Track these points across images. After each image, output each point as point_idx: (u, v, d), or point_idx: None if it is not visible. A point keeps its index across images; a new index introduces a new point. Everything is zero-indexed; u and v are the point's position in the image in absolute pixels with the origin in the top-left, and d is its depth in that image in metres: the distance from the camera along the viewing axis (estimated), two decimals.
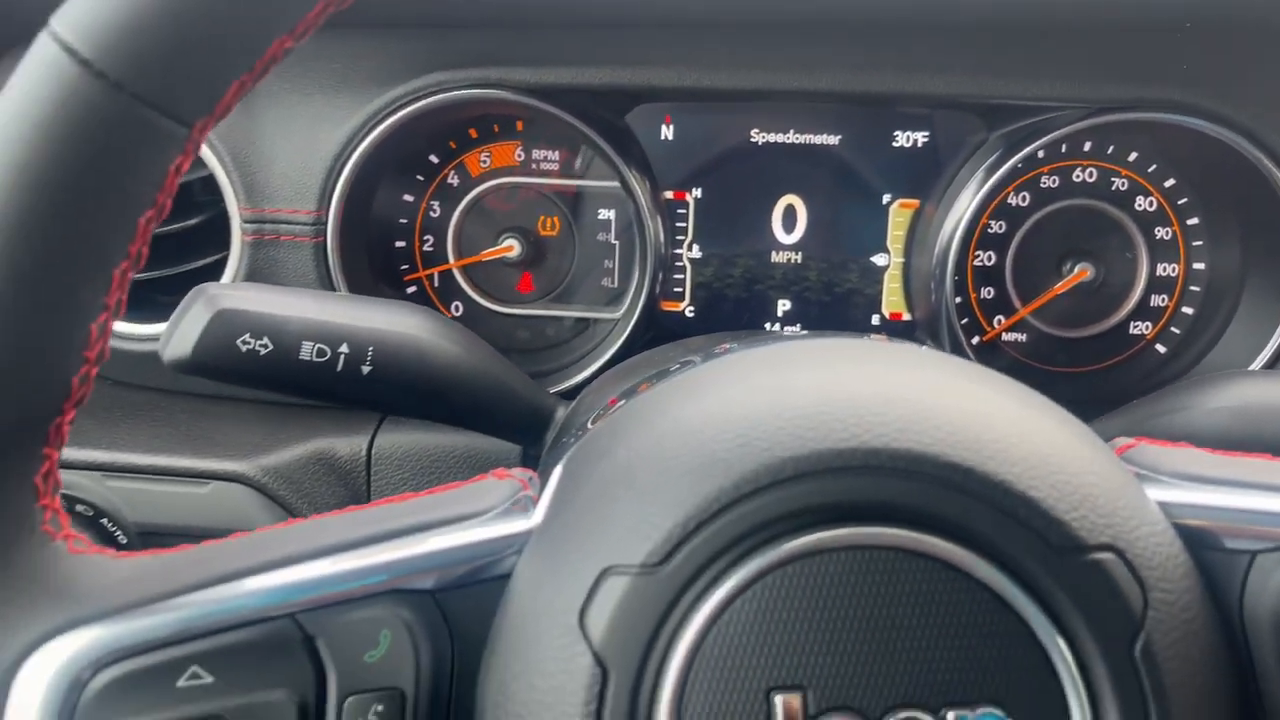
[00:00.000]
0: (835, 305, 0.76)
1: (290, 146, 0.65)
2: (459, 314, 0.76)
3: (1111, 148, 0.72)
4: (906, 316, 0.75)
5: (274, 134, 0.67)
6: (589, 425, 0.43)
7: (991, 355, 0.75)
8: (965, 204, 0.71)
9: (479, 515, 0.40)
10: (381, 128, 0.67)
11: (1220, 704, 0.36)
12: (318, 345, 0.52)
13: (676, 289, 0.77)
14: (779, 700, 0.34)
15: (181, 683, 0.37)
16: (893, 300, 0.76)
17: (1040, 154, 0.72)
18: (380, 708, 0.37)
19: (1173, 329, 0.74)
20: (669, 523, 0.35)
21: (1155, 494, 0.39)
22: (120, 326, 0.67)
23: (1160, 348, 0.74)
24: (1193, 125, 0.66)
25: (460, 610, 0.39)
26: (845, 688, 0.34)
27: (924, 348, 0.49)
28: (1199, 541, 0.38)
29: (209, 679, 0.37)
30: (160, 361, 0.70)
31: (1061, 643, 0.35)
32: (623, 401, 0.47)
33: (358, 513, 0.41)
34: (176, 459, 0.67)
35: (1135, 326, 0.74)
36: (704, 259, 0.76)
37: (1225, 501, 0.39)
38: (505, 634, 0.37)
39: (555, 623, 0.36)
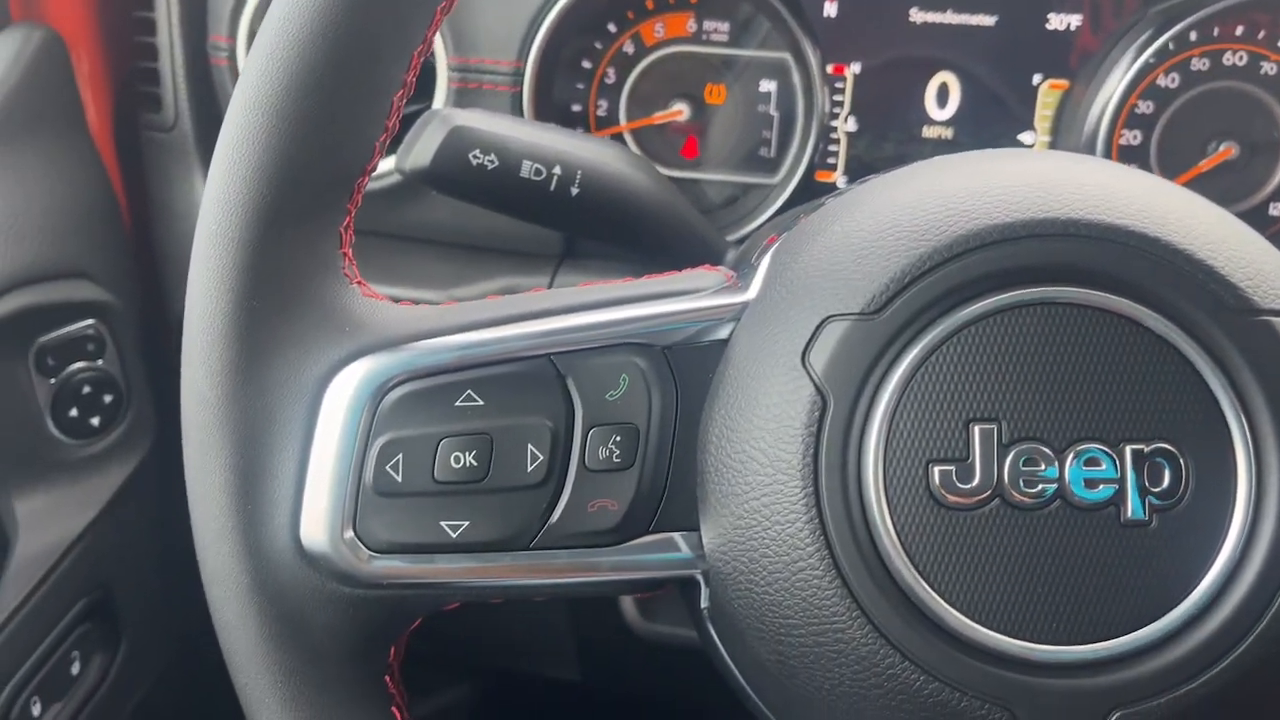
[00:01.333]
0: None
1: (496, 1, 0.72)
2: None
3: (1263, 32, 0.75)
4: None
5: None
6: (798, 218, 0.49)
7: None
8: (1115, 83, 0.75)
9: (700, 291, 0.47)
10: None
11: None
12: (535, 165, 0.59)
13: (830, 160, 0.82)
14: (977, 429, 0.40)
15: (458, 403, 0.44)
16: None
17: (1192, 36, 0.75)
18: (619, 438, 0.44)
19: None
20: (886, 277, 0.41)
21: None
22: None
23: None
24: None
25: (686, 365, 0.45)
26: (1035, 422, 0.40)
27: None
28: None
29: (480, 402, 0.44)
30: (370, 203, 0.77)
31: (1229, 390, 0.40)
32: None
33: (601, 285, 0.47)
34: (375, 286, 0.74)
35: (1274, 208, 0.77)
36: (859, 132, 0.81)
37: None
38: (730, 378, 0.43)
39: (779, 363, 0.42)
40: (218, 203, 0.42)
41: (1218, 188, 0.77)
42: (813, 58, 0.76)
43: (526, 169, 0.59)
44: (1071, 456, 0.40)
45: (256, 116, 0.41)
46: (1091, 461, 0.40)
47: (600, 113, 0.82)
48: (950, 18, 0.79)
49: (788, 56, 0.78)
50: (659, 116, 0.80)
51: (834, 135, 0.82)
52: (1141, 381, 0.40)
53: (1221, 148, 0.76)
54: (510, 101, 0.74)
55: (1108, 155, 0.78)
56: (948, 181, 0.44)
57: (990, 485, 0.40)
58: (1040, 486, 0.40)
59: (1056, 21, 0.78)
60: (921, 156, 0.81)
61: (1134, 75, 0.74)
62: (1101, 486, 0.39)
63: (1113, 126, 0.77)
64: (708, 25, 0.80)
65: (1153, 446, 0.40)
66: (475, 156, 0.57)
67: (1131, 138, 0.78)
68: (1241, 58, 0.76)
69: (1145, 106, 0.77)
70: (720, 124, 0.82)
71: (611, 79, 0.81)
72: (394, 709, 0.46)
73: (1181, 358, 0.40)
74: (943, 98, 0.80)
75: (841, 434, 0.41)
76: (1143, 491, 0.39)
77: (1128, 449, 0.40)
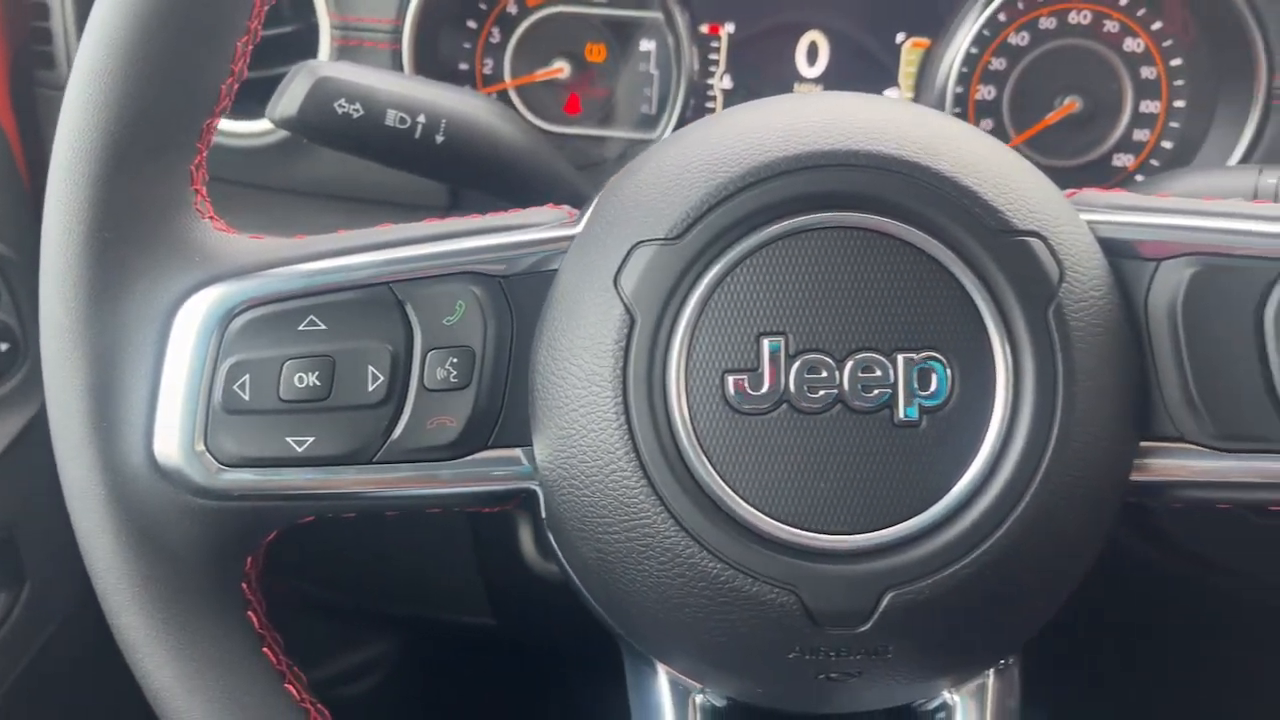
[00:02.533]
0: None
1: None
2: None
3: None
4: None
5: None
6: None
7: None
8: (962, 41, 0.79)
9: (538, 225, 0.50)
10: None
11: (1116, 362, 0.45)
12: (400, 114, 0.62)
13: None
14: (766, 342, 0.44)
15: (301, 327, 0.47)
16: None
17: None
18: (455, 360, 0.48)
19: (1152, 161, 0.82)
20: (687, 205, 0.45)
21: (1083, 215, 0.48)
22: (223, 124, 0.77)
23: (1140, 178, 0.82)
24: None
25: (520, 293, 0.49)
26: (817, 334, 0.44)
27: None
28: (1116, 250, 0.48)
29: (323, 326, 0.47)
30: (259, 158, 0.80)
31: (990, 304, 0.44)
32: None
33: (441, 219, 0.51)
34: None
35: (1118, 159, 0.82)
36: (734, 89, 0.85)
37: (1138, 220, 0.48)
38: (554, 304, 0.47)
39: (595, 286, 0.46)
40: (69, 139, 0.45)
41: (1065, 140, 0.82)
42: (680, 19, 0.80)
43: (391, 117, 0.62)
44: (850, 365, 0.44)
45: (103, 55, 0.44)
46: (867, 369, 0.44)
47: (486, 70, 0.85)
48: None
49: (660, 17, 0.81)
50: (541, 74, 0.84)
51: (711, 93, 0.86)
52: (914, 297, 0.44)
53: (1066, 101, 0.80)
54: (390, 58, 0.77)
55: (963, 110, 0.82)
56: (751, 119, 0.48)
57: (778, 392, 0.44)
58: (822, 392, 0.44)
59: None
60: None
61: (977, 33, 0.79)
62: (877, 392, 0.44)
63: (966, 82, 0.81)
64: None
65: (922, 355, 0.44)
66: (340, 105, 0.61)
67: (986, 93, 0.83)
68: (1086, 16, 0.81)
69: (998, 63, 0.82)
70: (602, 81, 0.86)
71: (496, 38, 0.85)
72: (250, 614, 0.49)
73: (949, 275, 0.44)
74: (812, 56, 0.85)
75: (648, 349, 0.45)
76: (912, 396, 0.44)
77: (900, 357, 0.44)
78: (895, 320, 0.44)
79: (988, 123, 0.83)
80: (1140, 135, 0.82)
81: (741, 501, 0.44)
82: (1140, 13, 0.80)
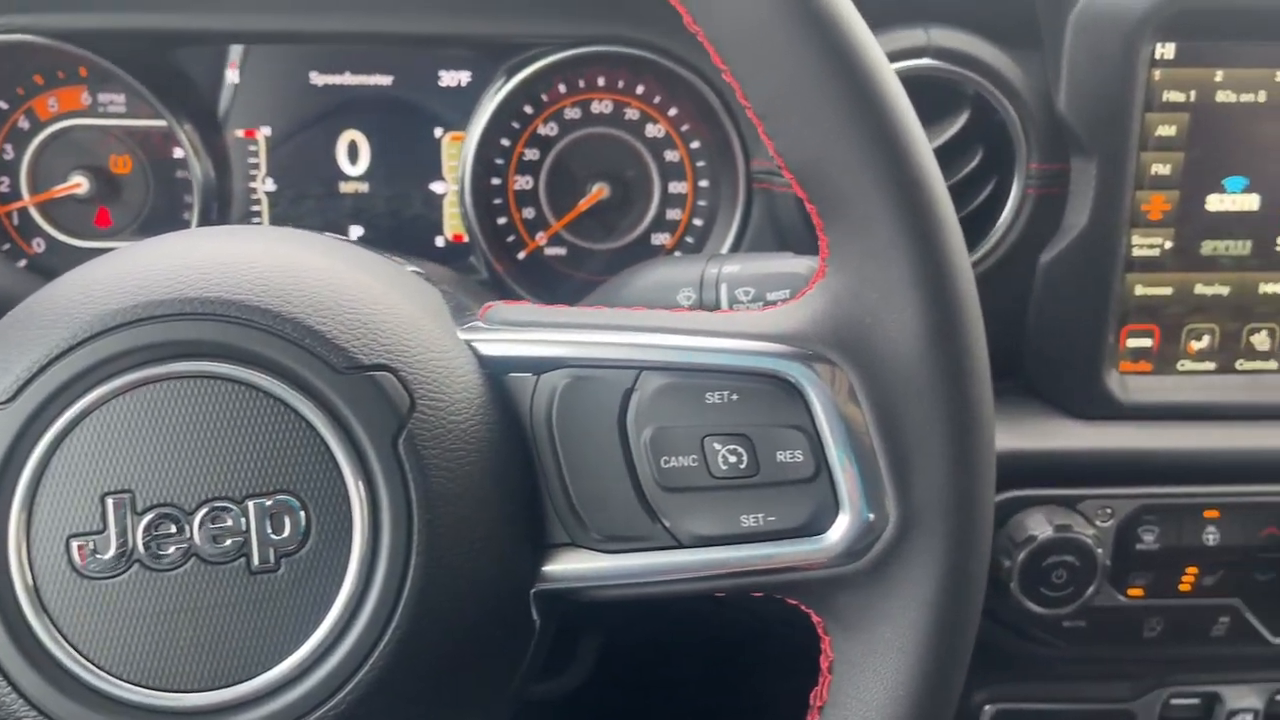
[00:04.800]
0: (403, 230, 0.85)
1: None
2: (41, 250, 0.82)
3: (621, 82, 0.83)
4: (467, 238, 0.85)
5: None
6: None
7: (537, 268, 0.85)
8: (476, 134, 0.81)
9: None
10: None
11: (490, 480, 0.46)
12: None
13: (255, 219, 0.84)
14: (110, 501, 0.43)
15: None
16: (453, 223, 0.85)
17: (562, 88, 0.82)
18: None
19: (687, 239, 0.86)
20: (19, 366, 0.43)
21: (464, 335, 0.49)
22: None
23: (679, 255, 0.86)
24: (653, 59, 0.79)
25: None
26: (165, 487, 0.43)
27: (285, 228, 0.58)
28: (501, 365, 0.49)
29: None
30: None
31: (342, 441, 0.44)
32: None
33: None
34: None
35: (656, 238, 0.86)
36: (278, 191, 0.84)
37: (520, 336, 0.50)
38: None
39: None
40: None
41: (604, 224, 0.85)
42: (178, 127, 0.79)
43: None
44: (200, 515, 0.43)
45: None
46: (218, 519, 0.43)
47: (3, 189, 0.81)
48: (349, 79, 0.83)
49: (179, 125, 0.79)
50: (58, 190, 0.80)
51: (255, 196, 0.84)
52: (264, 441, 0.44)
53: (594, 188, 0.83)
54: None
55: (504, 200, 0.84)
56: (97, 272, 0.46)
57: (127, 552, 0.43)
58: (174, 548, 0.43)
59: (448, 79, 0.84)
60: (342, 211, 0.85)
61: (505, 126, 0.81)
62: (230, 541, 0.43)
63: (504, 173, 0.83)
64: (103, 97, 0.81)
65: (275, 499, 0.44)
66: None
67: (524, 182, 0.85)
68: (608, 105, 0.84)
69: (531, 153, 0.84)
70: (133, 192, 0.83)
71: (10, 155, 0.81)
72: None
73: (298, 416, 0.44)
74: (353, 154, 0.84)
75: None
76: (267, 542, 0.43)
77: (251, 503, 0.43)
78: (245, 466, 0.44)
79: (530, 211, 0.85)
80: (673, 214, 0.86)
81: (98, 670, 0.42)
82: (656, 100, 0.84)
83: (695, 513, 0.48)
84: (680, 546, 0.48)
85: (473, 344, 0.49)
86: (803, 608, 0.50)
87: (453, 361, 0.47)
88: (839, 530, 0.47)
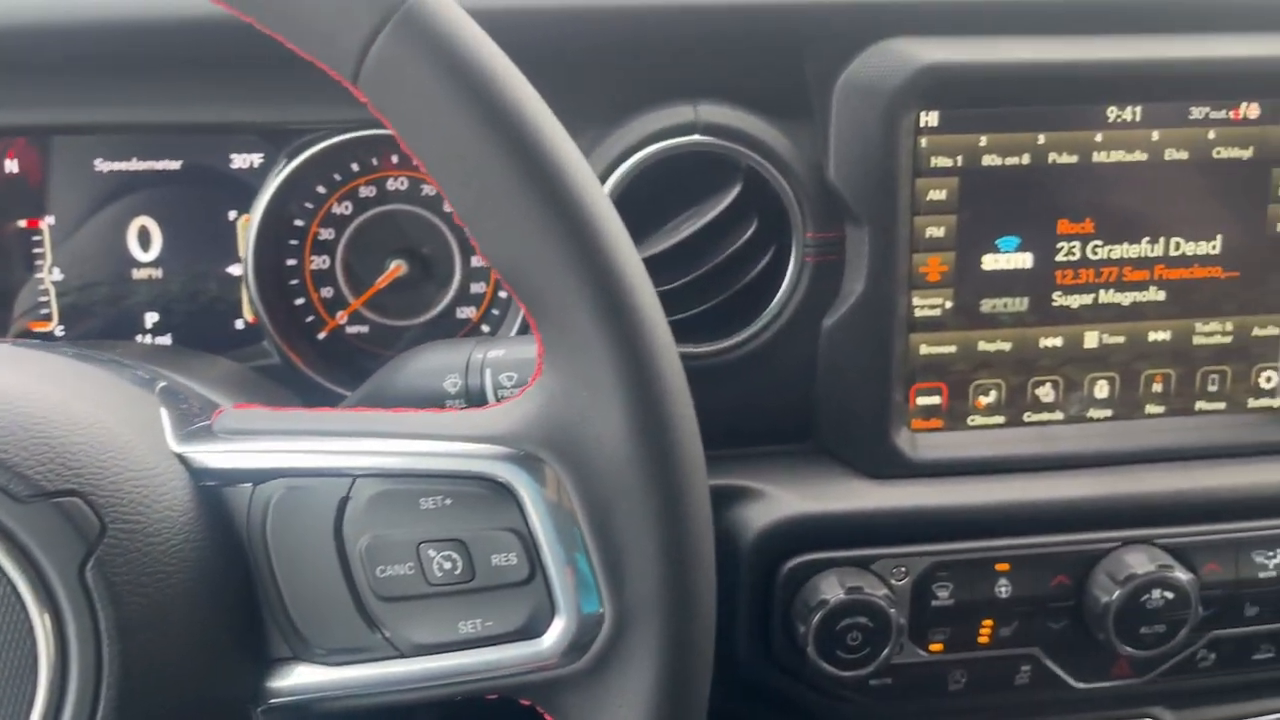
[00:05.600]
0: (200, 314, 0.84)
1: None
2: None
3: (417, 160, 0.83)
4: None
5: None
6: None
7: (339, 346, 0.84)
8: (257, 217, 0.80)
9: None
10: None
11: (196, 600, 0.45)
12: None
13: (44, 311, 0.82)
14: None
15: None
16: (251, 306, 0.84)
17: (355, 167, 0.82)
18: None
19: (493, 311, 0.86)
20: None
21: (177, 447, 0.48)
22: None
23: (485, 328, 0.86)
24: None
25: None
26: None
27: None
28: (218, 477, 0.48)
29: None
30: None
31: (27, 572, 0.43)
32: None
33: None
34: None
35: (462, 311, 0.86)
36: (66, 281, 0.82)
37: (235, 446, 0.49)
38: None
39: None
40: None
41: (406, 300, 0.85)
42: None
43: None
44: None
45: None
46: None
47: None
48: (136, 165, 0.82)
49: None
50: None
51: (43, 288, 0.82)
52: None
53: (392, 265, 0.83)
54: None
55: (301, 280, 0.83)
56: None
57: None
58: None
59: (240, 161, 0.82)
60: (136, 298, 0.83)
61: (278, 206, 0.80)
62: None
63: (299, 254, 0.82)
64: None
65: None
66: None
67: (321, 262, 0.84)
68: (403, 182, 0.84)
69: (326, 233, 0.83)
70: None
71: None
72: None
73: None
74: (145, 240, 0.83)
75: None
76: None
77: None
78: None
79: (328, 290, 0.84)
80: (477, 288, 0.86)
81: None
82: None
83: (414, 622, 0.47)
84: (402, 656, 0.47)
85: (187, 456, 0.48)
86: (537, 707, 0.49)
87: (155, 479, 0.46)
88: (555, 632, 0.47)
